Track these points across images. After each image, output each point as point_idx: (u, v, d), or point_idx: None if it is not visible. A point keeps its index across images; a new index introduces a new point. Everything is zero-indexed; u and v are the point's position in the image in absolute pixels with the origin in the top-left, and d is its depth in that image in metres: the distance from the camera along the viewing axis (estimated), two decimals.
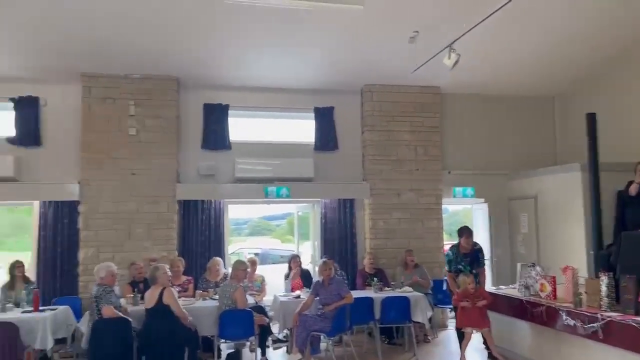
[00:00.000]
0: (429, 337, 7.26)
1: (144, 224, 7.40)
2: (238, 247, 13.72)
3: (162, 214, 7.48)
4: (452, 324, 7.40)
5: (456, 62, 6.16)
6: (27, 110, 7.32)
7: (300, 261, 7.70)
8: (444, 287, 7.10)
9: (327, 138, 8.31)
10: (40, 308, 5.96)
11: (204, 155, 7.92)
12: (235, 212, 9.67)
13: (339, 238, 8.21)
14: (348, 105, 8.43)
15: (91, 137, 7.31)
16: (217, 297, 6.27)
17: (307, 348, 5.93)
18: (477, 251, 6.32)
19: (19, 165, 7.18)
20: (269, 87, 8.05)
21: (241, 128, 8.24)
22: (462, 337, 5.99)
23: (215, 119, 7.96)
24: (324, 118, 8.32)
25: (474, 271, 6.14)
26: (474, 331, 5.88)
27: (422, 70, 7.08)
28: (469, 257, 6.24)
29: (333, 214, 8.25)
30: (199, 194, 7.75)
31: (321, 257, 7.58)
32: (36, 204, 7.38)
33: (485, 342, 6.02)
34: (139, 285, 6.59)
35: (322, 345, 6.37)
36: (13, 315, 5.72)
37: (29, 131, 7.31)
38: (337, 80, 7.98)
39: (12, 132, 7.30)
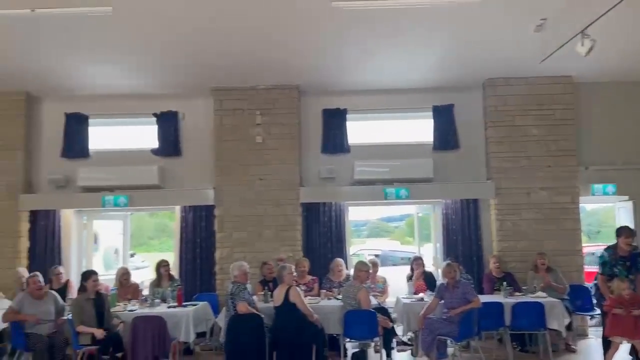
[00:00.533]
0: (573, 346, 6.69)
1: (272, 226, 7.81)
2: (358, 249, 13.89)
3: (287, 216, 7.83)
4: (593, 333, 6.78)
5: (591, 49, 5.64)
6: (168, 124, 8.11)
7: (423, 263, 7.58)
8: (593, 292, 6.53)
9: (446, 137, 8.10)
10: (184, 304, 6.55)
11: (324, 159, 8.15)
12: (355, 214, 9.81)
13: (462, 240, 7.94)
14: (469, 102, 8.14)
15: (223, 146, 7.90)
16: (340, 297, 6.41)
17: (434, 352, 5.82)
18: (635, 255, 5.70)
19: (162, 174, 7.97)
20: (385, 88, 8.06)
21: (359, 131, 8.35)
22: (607, 347, 5.47)
23: (334, 123, 8.16)
24: (443, 116, 8.12)
25: (630, 276, 5.56)
26: (623, 341, 5.33)
27: (551, 60, 6.61)
28: (627, 261, 5.66)
29: (455, 215, 8.01)
30: (320, 197, 8.00)
31: (443, 260, 7.40)
32: (178, 209, 8.13)
33: (634, 354, 5.43)
34: (269, 284, 6.95)
35: (449, 350, 6.21)
36: (161, 309, 6.33)
37: (170, 143, 8.09)
38: (456, 76, 7.74)
39: (155, 144, 8.13)
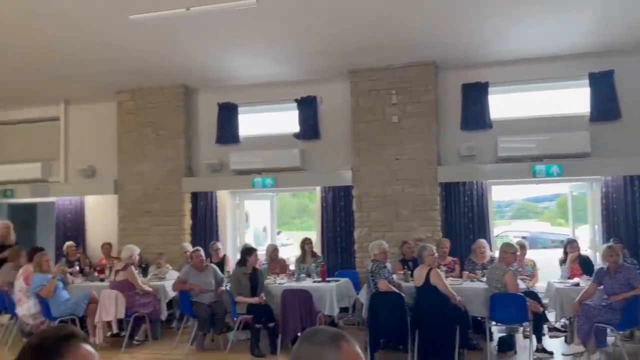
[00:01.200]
0: None
1: (409, 206, 7.76)
2: (502, 231, 13.19)
3: (425, 196, 7.72)
4: None
5: None
6: (308, 109, 8.43)
7: (577, 246, 6.97)
8: None
9: (606, 106, 7.27)
10: (327, 279, 6.84)
11: (464, 136, 7.84)
12: (498, 193, 9.31)
13: (626, 221, 7.12)
14: (633, 66, 7.20)
15: (359, 128, 8.00)
16: (484, 279, 6.18)
17: (592, 340, 5.36)
18: None
19: (303, 156, 8.33)
20: (530, 57, 7.46)
21: (502, 105, 7.87)
22: None
23: (474, 98, 7.80)
24: (601, 84, 7.30)
25: None
26: None
27: None
28: None
29: (618, 194, 7.19)
30: (460, 176, 7.73)
31: (603, 242, 6.71)
32: (318, 189, 8.46)
33: None
34: (409, 263, 6.95)
35: (609, 339, 5.66)
36: (306, 284, 6.68)
37: (310, 127, 8.41)
38: (616, 38, 6.87)
39: (297, 128, 8.51)
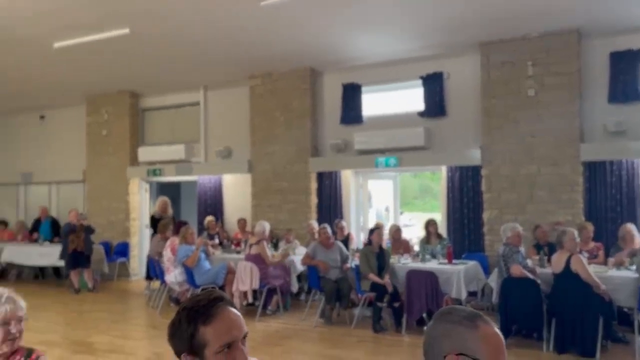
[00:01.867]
0: None
1: (546, 187, 7.22)
2: None
3: (564, 176, 7.12)
4: None
5: None
6: (433, 85, 8.18)
7: None
8: None
9: None
10: (454, 262, 6.66)
11: (612, 110, 7.07)
12: None
13: None
14: None
15: (490, 103, 7.58)
16: (634, 267, 5.57)
17: None
18: None
19: (428, 135, 8.13)
20: None
21: None
22: None
23: (624, 68, 6.99)
24: None
25: None
26: None
27: None
28: None
29: None
30: (607, 154, 7.01)
31: None
32: (444, 169, 8.22)
33: None
34: (544, 248, 6.51)
35: None
36: (432, 265, 6.57)
37: (435, 104, 8.16)
38: None
39: (421, 106, 8.31)
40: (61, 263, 9.43)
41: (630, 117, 6.91)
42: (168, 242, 7.87)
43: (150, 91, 10.65)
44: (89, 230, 9.26)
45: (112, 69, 9.18)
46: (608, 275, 5.56)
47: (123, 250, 10.40)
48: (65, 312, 7.79)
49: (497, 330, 1.30)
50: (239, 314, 1.57)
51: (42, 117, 12.07)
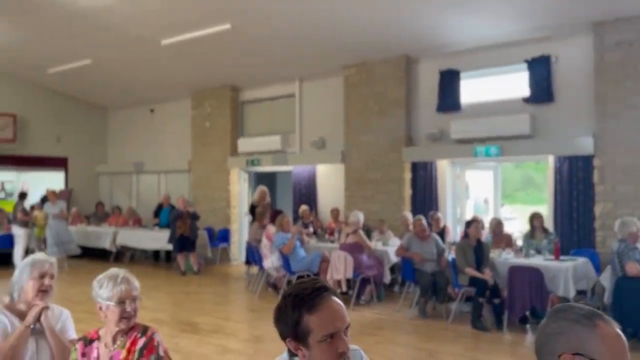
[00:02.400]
0: None
1: None
2: None
3: None
4: None
5: None
6: (540, 69, 7.65)
7: None
8: None
9: None
10: (561, 258, 6.23)
11: None
12: None
13: None
14: None
15: (605, 88, 6.95)
16: None
17: None
18: None
19: (533, 122, 7.64)
20: None
21: None
22: None
23: None
24: None
25: None
26: None
27: None
28: None
29: None
30: None
31: None
32: (551, 159, 7.69)
33: None
34: None
35: None
36: (536, 261, 6.18)
37: (542, 89, 7.64)
38: None
39: (526, 92, 7.82)
40: (169, 247, 10.14)
41: None
42: (265, 230, 8.16)
43: (249, 84, 11.05)
44: (195, 216, 9.84)
45: (215, 64, 9.64)
46: None
47: (224, 236, 10.95)
48: (174, 292, 8.37)
49: (619, 331, 1.20)
50: (342, 304, 1.58)
51: (152, 110, 13.00)
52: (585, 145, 7.11)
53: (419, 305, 6.68)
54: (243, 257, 10.21)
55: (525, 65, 7.77)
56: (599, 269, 6.35)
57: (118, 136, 13.92)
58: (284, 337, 1.57)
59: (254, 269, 8.87)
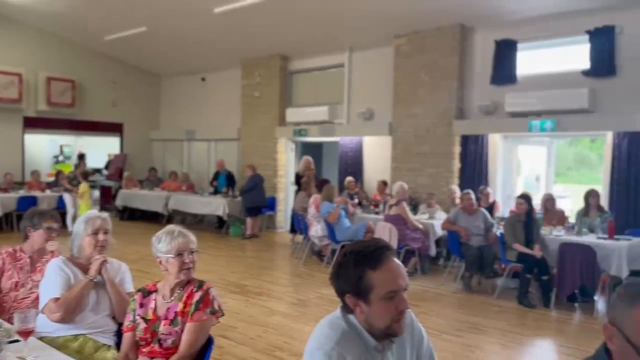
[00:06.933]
0: None
1: None
2: None
3: None
4: None
5: None
6: (602, 41, 7.26)
7: None
8: None
9: None
10: (615, 237, 6.02)
11: None
12: None
13: None
14: None
15: None
16: None
17: None
18: None
19: (593, 96, 7.30)
20: None
21: None
22: None
23: None
24: None
25: None
26: None
27: None
28: None
29: None
30: None
31: None
32: (609, 135, 7.36)
33: None
34: None
35: None
36: (589, 239, 6.00)
37: (604, 62, 7.26)
38: None
39: (586, 64, 7.46)
40: (219, 212, 10.45)
41: None
42: (312, 199, 8.25)
43: (298, 54, 11.03)
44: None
45: (265, 33, 9.67)
46: None
47: (271, 204, 11.16)
48: (222, 256, 8.66)
49: None
50: (402, 265, 1.61)
51: (203, 79, 13.22)
52: None
53: (463, 279, 6.65)
54: (288, 226, 10.40)
55: (587, 37, 7.39)
56: None
57: (170, 104, 14.28)
58: (342, 294, 1.61)
59: (299, 237, 9.03)
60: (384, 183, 9.34)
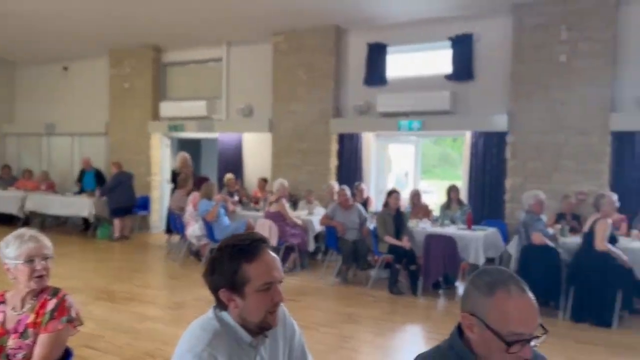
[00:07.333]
0: None
1: (572, 157, 7.07)
2: None
3: (592, 146, 6.95)
4: None
5: None
6: (463, 47, 7.93)
7: None
8: None
9: None
10: (473, 228, 6.62)
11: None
12: None
13: None
14: None
15: (521, 68, 7.35)
16: None
17: None
18: None
19: (454, 99, 7.95)
20: None
21: None
22: None
23: None
24: None
25: None
26: None
27: None
28: None
29: None
30: (637, 124, 6.79)
31: None
32: (468, 135, 8.07)
33: None
34: (566, 218, 6.43)
35: None
36: (451, 230, 6.54)
37: (463, 67, 7.94)
38: None
39: (449, 69, 8.10)
40: (84, 213, 9.65)
41: None
42: (190, 197, 7.97)
43: (173, 46, 10.57)
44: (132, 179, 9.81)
45: (134, 20, 9.06)
46: (630, 247, 5.50)
47: (144, 203, 10.56)
48: (88, 260, 8.00)
49: (521, 301, 1.33)
50: (277, 257, 1.60)
51: (65, 68, 12.09)
52: (500, 122, 7.52)
53: (340, 272, 6.87)
54: (163, 226, 9.93)
55: (449, 43, 8.02)
56: (506, 239, 6.82)
57: (27, 94, 12.84)
58: (216, 289, 1.56)
59: (176, 238, 8.67)
60: (265, 180, 9.32)
